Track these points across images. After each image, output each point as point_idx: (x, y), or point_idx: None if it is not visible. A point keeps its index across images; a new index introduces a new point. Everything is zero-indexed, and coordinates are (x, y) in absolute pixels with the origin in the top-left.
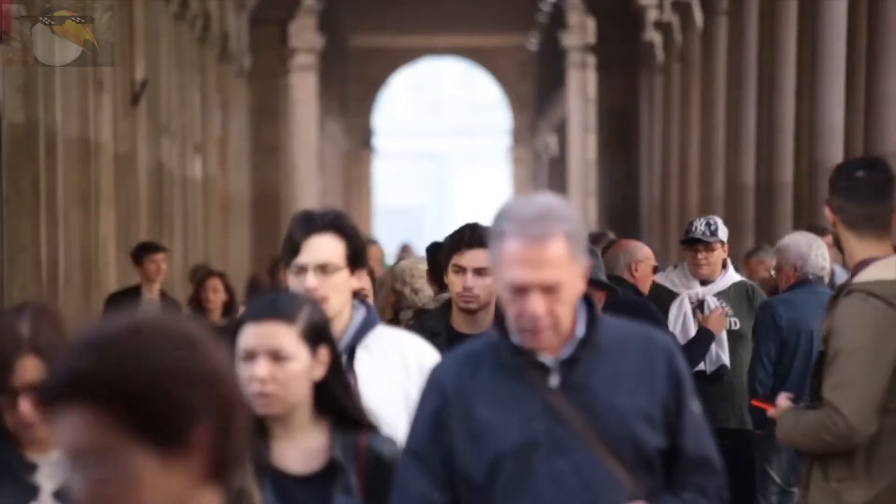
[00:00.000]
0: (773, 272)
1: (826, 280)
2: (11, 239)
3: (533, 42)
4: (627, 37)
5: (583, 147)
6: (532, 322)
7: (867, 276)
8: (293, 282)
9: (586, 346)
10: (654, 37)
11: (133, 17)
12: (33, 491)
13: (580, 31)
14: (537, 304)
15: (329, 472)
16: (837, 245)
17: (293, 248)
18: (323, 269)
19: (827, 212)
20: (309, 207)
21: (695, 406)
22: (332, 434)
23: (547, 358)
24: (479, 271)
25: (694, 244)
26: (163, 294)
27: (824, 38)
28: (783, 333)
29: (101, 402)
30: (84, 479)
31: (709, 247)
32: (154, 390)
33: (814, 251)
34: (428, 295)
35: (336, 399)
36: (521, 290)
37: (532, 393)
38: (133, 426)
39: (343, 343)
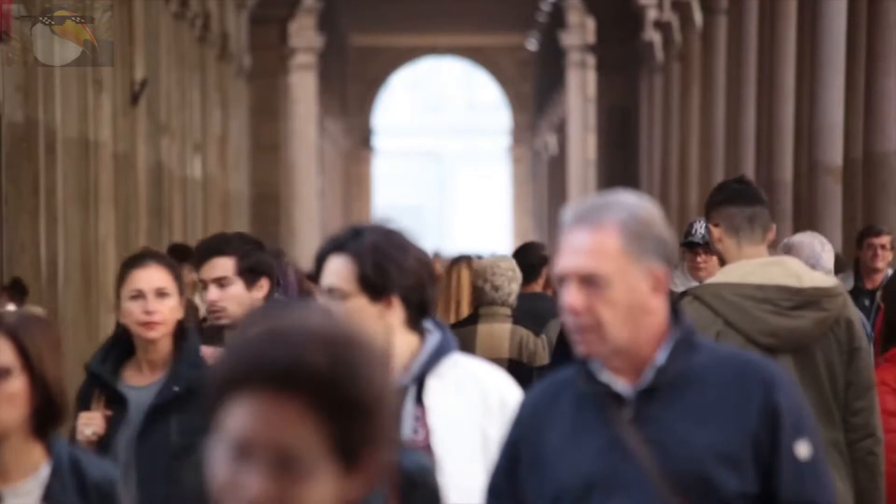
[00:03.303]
0: None
1: None
2: (11, 238)
3: (533, 42)
4: (627, 36)
5: (582, 146)
6: (571, 319)
7: (713, 278)
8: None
9: (665, 374)
10: (653, 36)
11: (133, 16)
12: None
13: (580, 30)
14: (572, 295)
15: None
16: (721, 263)
17: (316, 271)
18: (331, 294)
19: (711, 229)
20: (346, 225)
21: (801, 448)
22: None
23: (623, 387)
24: (220, 281)
25: (693, 247)
26: None
27: (824, 37)
28: None
29: (326, 404)
30: (265, 477)
31: (709, 250)
32: (375, 409)
33: (826, 252)
34: (507, 291)
35: None
36: (561, 282)
37: (603, 426)
38: (338, 438)
39: (412, 372)
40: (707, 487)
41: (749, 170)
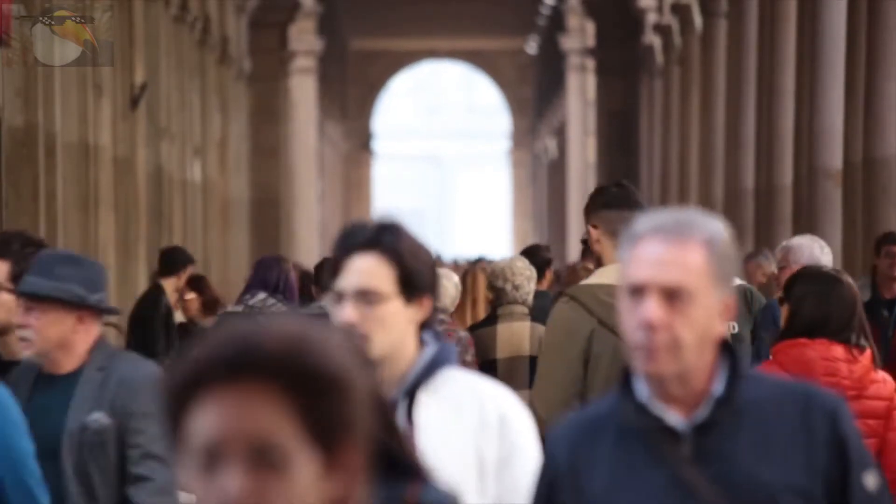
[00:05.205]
0: (776, 269)
1: None
2: None
3: (532, 45)
4: (627, 40)
5: (582, 150)
6: (645, 334)
7: (588, 280)
8: (332, 310)
9: (725, 406)
10: (653, 40)
11: (133, 20)
12: None
13: (580, 34)
14: (652, 308)
15: None
16: (599, 265)
17: (333, 269)
18: (364, 296)
19: (591, 232)
20: (360, 220)
21: (869, 480)
22: (372, 486)
23: (678, 420)
24: None
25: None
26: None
27: (824, 41)
28: None
29: (290, 383)
30: (244, 474)
31: None
32: (341, 384)
33: (825, 256)
34: (526, 290)
35: (378, 444)
36: (637, 293)
37: (658, 464)
38: (309, 418)
39: (405, 385)
40: None
41: (749, 174)
